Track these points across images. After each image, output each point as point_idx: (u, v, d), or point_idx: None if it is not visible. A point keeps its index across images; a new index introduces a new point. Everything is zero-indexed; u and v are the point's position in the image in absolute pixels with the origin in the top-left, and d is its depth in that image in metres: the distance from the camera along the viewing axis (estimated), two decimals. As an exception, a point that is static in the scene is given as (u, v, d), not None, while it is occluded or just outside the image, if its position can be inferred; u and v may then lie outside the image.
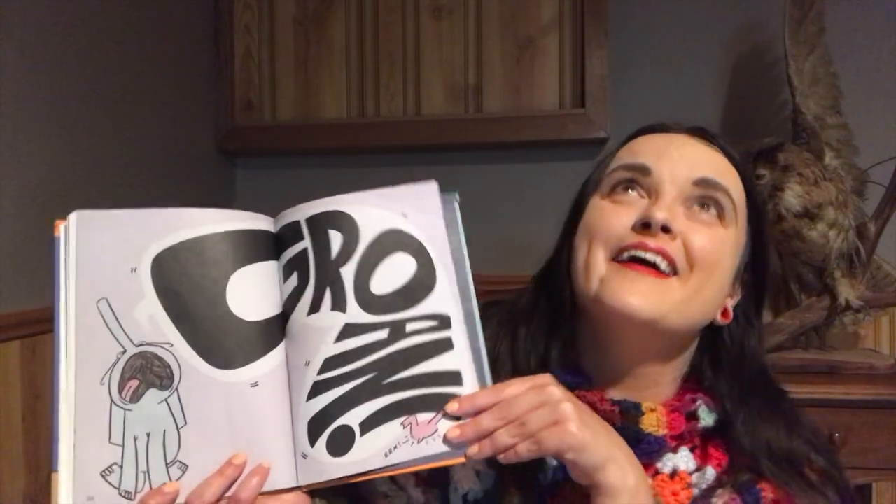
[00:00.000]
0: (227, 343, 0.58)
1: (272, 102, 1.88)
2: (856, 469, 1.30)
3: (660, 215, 0.62)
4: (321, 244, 0.61)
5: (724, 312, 0.68)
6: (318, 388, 0.58)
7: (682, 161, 0.66)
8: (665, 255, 0.63)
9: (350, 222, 0.61)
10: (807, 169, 1.40)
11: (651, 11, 1.73)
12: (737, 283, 0.69)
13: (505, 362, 0.70)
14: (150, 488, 0.55)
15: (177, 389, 0.57)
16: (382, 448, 0.57)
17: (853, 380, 1.37)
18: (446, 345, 0.59)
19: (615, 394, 0.67)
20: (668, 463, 0.67)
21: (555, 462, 0.65)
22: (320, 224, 0.61)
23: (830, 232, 1.41)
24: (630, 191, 0.67)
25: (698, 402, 0.67)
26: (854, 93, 1.52)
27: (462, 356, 0.59)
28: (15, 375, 1.17)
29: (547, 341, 0.70)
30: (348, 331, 0.59)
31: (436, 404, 0.58)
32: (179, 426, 0.56)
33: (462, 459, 0.57)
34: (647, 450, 0.65)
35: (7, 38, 1.17)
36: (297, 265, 0.61)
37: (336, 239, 0.61)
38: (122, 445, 0.55)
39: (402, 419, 0.58)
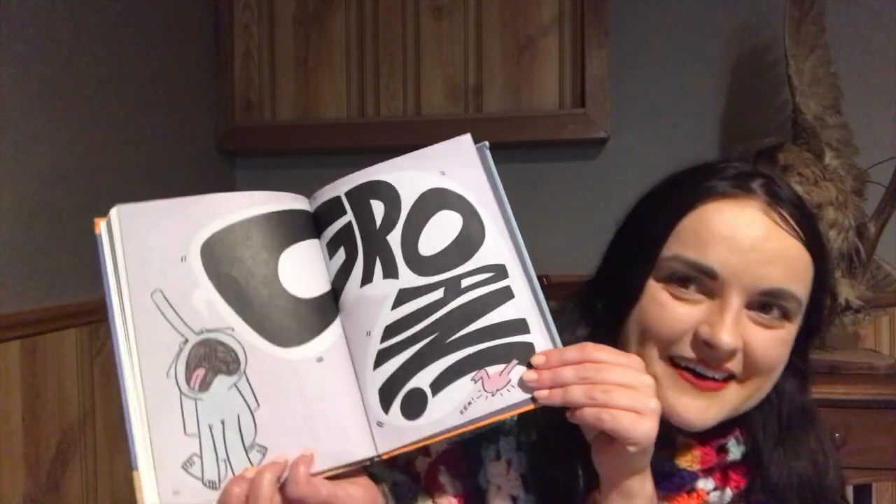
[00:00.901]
0: (286, 322, 0.58)
1: (272, 102, 1.88)
2: (856, 469, 1.30)
3: (727, 342, 0.59)
4: (364, 216, 0.61)
5: None
6: (382, 356, 0.58)
7: (755, 261, 0.60)
8: (726, 371, 0.62)
9: (390, 189, 0.61)
10: (807, 169, 1.40)
11: (651, 11, 1.73)
12: None
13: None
14: (233, 475, 0.54)
15: (244, 373, 0.56)
16: (457, 405, 0.57)
17: (853, 380, 1.37)
18: (507, 294, 0.59)
19: None
20: (688, 483, 0.67)
21: None
22: (360, 196, 0.61)
23: (830, 232, 1.41)
24: (690, 285, 0.62)
25: (728, 437, 0.67)
26: (854, 93, 1.52)
27: (524, 303, 0.59)
28: (15, 375, 1.17)
29: None
30: (404, 296, 0.59)
31: (505, 355, 0.57)
32: (253, 409, 0.56)
33: (531, 406, 0.57)
34: (677, 483, 0.66)
35: (7, 38, 1.17)
36: (342, 240, 0.61)
37: (378, 208, 0.61)
38: (199, 435, 0.55)
39: (472, 374, 0.57)
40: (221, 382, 0.56)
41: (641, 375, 0.56)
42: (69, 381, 1.28)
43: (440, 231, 0.60)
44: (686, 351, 0.61)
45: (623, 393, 0.54)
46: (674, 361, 0.63)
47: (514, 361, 0.57)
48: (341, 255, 0.61)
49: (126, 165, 1.46)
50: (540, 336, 0.58)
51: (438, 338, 0.58)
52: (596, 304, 0.69)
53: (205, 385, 0.56)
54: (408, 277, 0.60)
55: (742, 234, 0.61)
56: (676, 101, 1.70)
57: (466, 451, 0.70)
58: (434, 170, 0.62)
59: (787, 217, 0.62)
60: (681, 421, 0.62)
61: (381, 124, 1.81)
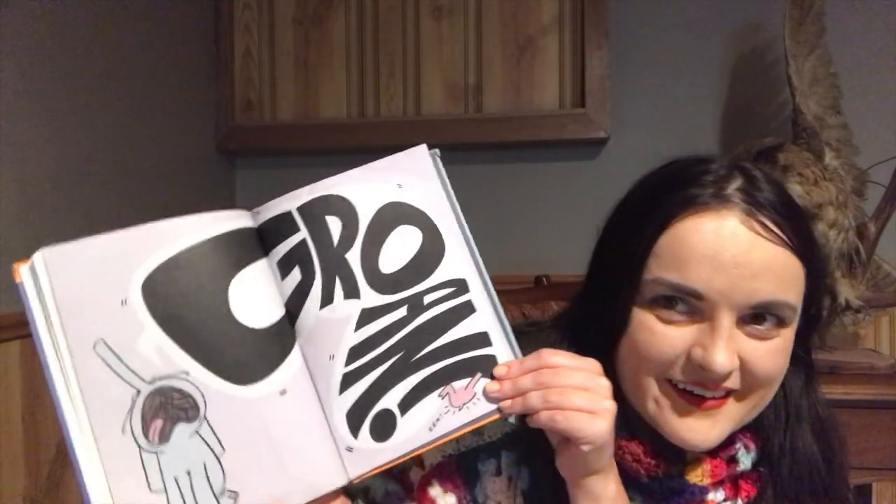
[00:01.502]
0: (244, 357, 0.55)
1: (272, 102, 1.88)
2: (856, 469, 1.30)
3: (722, 365, 0.57)
4: (321, 232, 0.58)
5: None
6: (348, 380, 0.57)
7: (740, 277, 0.58)
8: (724, 389, 0.61)
9: (345, 204, 0.59)
10: (807, 169, 1.40)
11: (651, 11, 1.73)
12: None
13: None
14: None
15: (205, 418, 0.53)
16: (426, 423, 0.57)
17: (853, 380, 1.37)
18: (468, 308, 0.59)
19: (659, 443, 0.65)
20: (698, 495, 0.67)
21: None
22: (314, 211, 0.58)
23: (830, 232, 1.40)
24: (676, 306, 0.60)
25: (738, 446, 0.66)
26: (854, 93, 1.52)
27: (486, 316, 0.59)
28: (15, 375, 1.17)
29: None
30: (366, 316, 0.58)
31: (469, 369, 0.58)
32: (218, 455, 0.53)
33: (497, 416, 0.57)
34: (688, 499, 0.65)
35: (6, 38, 1.17)
36: (297, 259, 0.58)
37: (335, 224, 0.58)
38: (165, 491, 0.52)
39: (439, 390, 0.57)
40: (182, 431, 0.53)
41: (597, 377, 0.56)
42: (69, 381, 1.28)
43: (400, 247, 0.59)
44: (682, 373, 0.60)
45: (579, 395, 0.55)
46: (672, 384, 0.62)
47: (479, 374, 0.58)
48: (296, 275, 0.58)
49: (126, 165, 1.46)
50: (501, 348, 0.58)
51: (404, 356, 0.58)
52: (585, 331, 0.67)
53: (164, 436, 0.52)
54: (370, 297, 0.58)
55: (724, 251, 0.58)
56: (676, 101, 1.70)
57: (462, 464, 0.68)
58: (391, 182, 0.59)
59: (770, 224, 0.59)
60: (686, 443, 0.61)
61: (381, 124, 1.81)
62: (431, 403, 0.57)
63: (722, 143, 1.68)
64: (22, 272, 0.53)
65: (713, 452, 0.65)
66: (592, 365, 0.57)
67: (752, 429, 0.67)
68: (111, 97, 1.42)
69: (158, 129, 1.59)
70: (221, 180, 1.87)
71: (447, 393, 0.57)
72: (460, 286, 0.59)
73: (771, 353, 0.60)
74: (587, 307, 0.69)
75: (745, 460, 0.66)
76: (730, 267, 0.58)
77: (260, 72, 1.88)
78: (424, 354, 0.58)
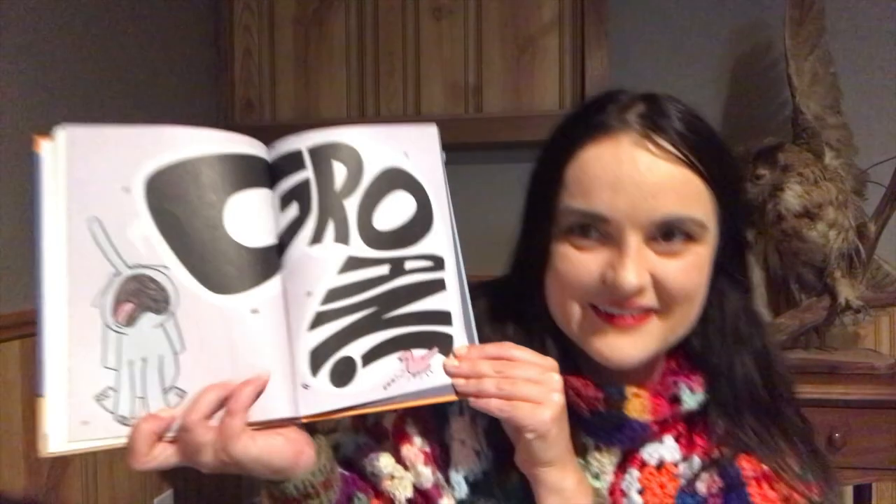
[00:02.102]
0: (226, 268, 0.56)
1: (272, 102, 1.88)
2: (856, 469, 1.30)
3: (628, 283, 0.59)
4: (325, 175, 0.59)
5: None
6: (320, 319, 0.58)
7: (640, 196, 0.60)
8: (641, 307, 0.62)
9: (354, 155, 0.60)
10: (807, 169, 1.40)
11: (651, 11, 1.73)
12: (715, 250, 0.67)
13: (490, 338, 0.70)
14: (147, 414, 0.53)
15: (173, 314, 0.54)
16: (382, 380, 0.59)
17: (853, 380, 1.37)
18: (439, 285, 0.61)
19: (601, 378, 0.67)
20: (654, 455, 0.67)
21: None
22: (324, 154, 0.59)
23: (830, 232, 1.41)
24: (589, 235, 0.62)
25: (681, 385, 0.67)
26: (854, 93, 1.52)
27: (453, 298, 0.61)
28: (15, 375, 1.17)
29: (540, 330, 0.69)
30: (352, 263, 0.59)
31: (428, 341, 0.60)
32: (177, 351, 0.54)
33: (454, 397, 0.60)
34: (630, 435, 0.66)
35: (6, 38, 1.17)
36: (297, 195, 0.59)
37: (340, 171, 0.59)
38: (117, 370, 0.53)
39: (399, 353, 0.59)
40: (148, 320, 0.54)
41: (549, 372, 0.60)
42: (69, 381, 1.28)
43: (394, 210, 0.61)
44: (601, 296, 0.62)
45: (528, 386, 0.58)
46: (594, 308, 0.63)
47: (436, 349, 0.60)
48: (294, 210, 0.59)
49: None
50: (460, 331, 0.61)
51: (377, 312, 0.59)
52: (518, 276, 0.70)
53: (131, 320, 0.54)
54: (358, 246, 0.59)
55: (622, 173, 0.60)
56: (676, 101, 1.70)
57: (434, 408, 0.69)
58: (399, 149, 0.62)
59: (666, 144, 0.61)
60: (609, 361, 0.63)
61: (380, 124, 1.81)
62: (390, 364, 0.59)
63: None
64: (43, 146, 0.54)
65: (653, 389, 0.67)
66: (549, 363, 0.60)
67: (696, 373, 0.68)
68: (111, 97, 1.42)
69: (158, 129, 1.58)
70: (221, 180, 1.87)
71: (406, 358, 0.59)
72: (438, 263, 0.61)
73: (683, 268, 0.61)
74: (519, 251, 0.71)
75: (690, 400, 0.67)
76: (629, 187, 0.60)
77: (260, 72, 1.88)
78: (395, 315, 0.60)
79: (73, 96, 1.32)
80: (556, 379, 0.60)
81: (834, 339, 1.53)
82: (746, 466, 0.65)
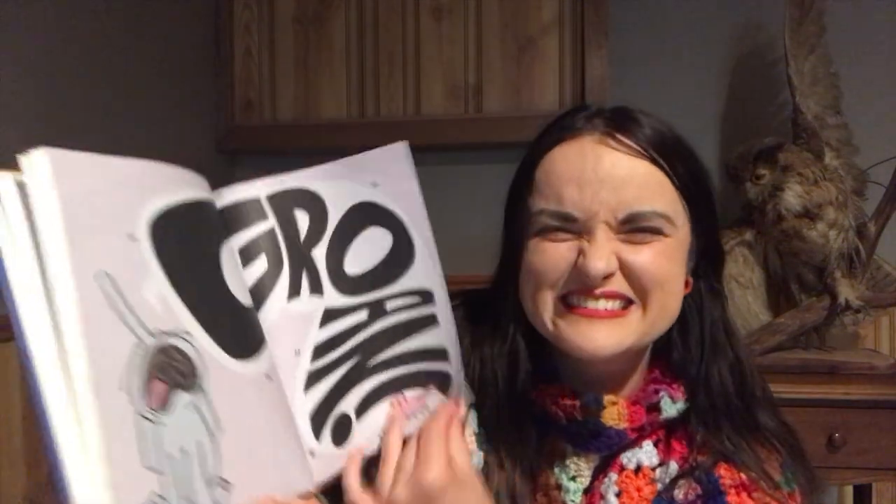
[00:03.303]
0: (237, 329, 0.49)
1: (272, 102, 1.88)
2: (856, 469, 1.30)
3: (596, 269, 0.60)
4: (289, 225, 0.55)
5: (686, 284, 0.68)
6: (312, 379, 0.54)
7: (605, 190, 0.61)
8: (613, 296, 0.63)
9: (316, 201, 0.56)
10: (807, 169, 1.40)
11: (651, 11, 1.73)
12: (691, 250, 0.68)
13: (472, 350, 0.70)
14: None
15: (203, 389, 0.45)
16: (377, 430, 0.57)
17: (853, 380, 1.37)
18: (430, 321, 0.58)
19: (579, 387, 0.67)
20: (633, 459, 0.68)
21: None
22: (284, 202, 0.55)
23: (830, 232, 1.41)
24: (560, 232, 0.64)
25: (661, 395, 0.68)
26: (854, 93, 1.52)
27: (446, 332, 0.58)
28: (15, 375, 1.17)
29: (514, 334, 0.69)
30: (329, 315, 0.56)
31: (423, 380, 0.58)
32: (214, 434, 0.45)
33: None
34: (607, 442, 0.66)
35: (6, 38, 1.17)
36: (263, 248, 0.54)
37: (303, 219, 0.55)
38: (161, 471, 0.41)
39: (391, 398, 0.57)
40: (180, 400, 0.43)
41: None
42: (69, 381, 1.28)
43: (368, 249, 0.57)
44: (574, 284, 0.63)
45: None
46: (567, 304, 0.64)
47: (432, 387, 0.58)
48: (261, 264, 0.53)
49: (126, 165, 1.46)
50: (455, 366, 0.58)
51: (361, 361, 0.56)
52: (499, 283, 0.71)
53: (164, 403, 0.43)
54: (332, 296, 0.56)
55: (585, 170, 0.62)
56: (676, 101, 1.69)
57: None
58: (366, 181, 0.58)
59: (628, 140, 0.63)
60: (584, 351, 0.63)
61: (381, 124, 1.81)
62: (383, 410, 0.56)
63: (722, 142, 1.68)
64: (25, 171, 0.42)
65: (633, 397, 0.67)
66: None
67: (678, 382, 0.69)
68: (111, 97, 1.42)
69: (158, 128, 1.59)
70: (221, 180, 1.85)
71: (398, 402, 0.57)
72: (425, 297, 0.58)
73: (650, 256, 0.62)
74: (501, 259, 0.72)
75: (670, 409, 0.67)
76: (593, 183, 0.61)
77: (260, 72, 1.88)
78: (380, 361, 0.57)
79: (73, 97, 1.32)
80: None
81: (834, 339, 1.53)
82: (725, 475, 0.66)
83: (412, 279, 0.58)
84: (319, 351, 0.55)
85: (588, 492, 0.68)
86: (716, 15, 1.69)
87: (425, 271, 0.58)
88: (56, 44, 1.28)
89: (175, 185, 0.48)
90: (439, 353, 0.58)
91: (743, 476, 0.65)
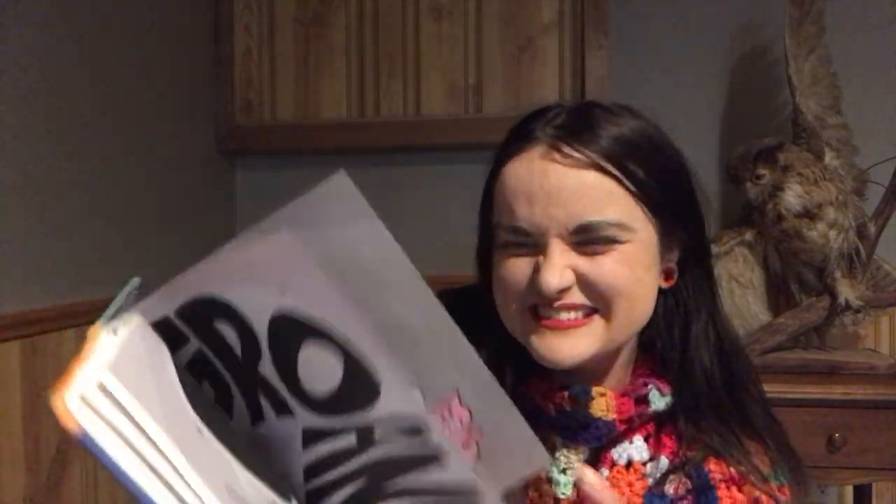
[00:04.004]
0: (268, 469, 0.45)
1: (272, 102, 1.88)
2: (856, 469, 1.30)
3: (549, 284, 0.61)
4: (215, 341, 0.44)
5: (667, 276, 0.68)
6: (312, 499, 0.46)
7: (553, 205, 0.61)
8: (573, 308, 0.63)
9: (229, 310, 0.43)
10: (807, 169, 1.40)
11: (651, 11, 1.73)
12: (670, 245, 0.67)
13: None
14: None
15: None
16: None
17: (853, 380, 1.37)
18: (428, 460, 0.44)
19: (567, 380, 0.67)
20: (624, 454, 0.68)
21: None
22: (198, 316, 0.44)
23: (830, 232, 1.41)
24: (520, 246, 0.64)
25: (649, 387, 0.68)
26: (854, 93, 1.52)
27: (460, 462, 0.43)
28: (15, 375, 1.17)
29: (499, 336, 0.69)
30: (311, 436, 0.45)
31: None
32: None
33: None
34: (595, 434, 0.66)
35: (7, 37, 1.17)
36: (201, 371, 0.45)
37: (229, 334, 0.44)
38: None
39: None
40: None
41: None
42: (69, 381, 1.28)
43: (320, 370, 0.43)
44: (534, 299, 0.63)
45: None
46: (535, 314, 0.64)
47: None
48: (206, 389, 0.45)
49: (126, 165, 1.46)
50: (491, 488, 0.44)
51: (373, 482, 0.45)
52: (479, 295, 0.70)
53: None
54: (306, 417, 0.44)
55: (533, 186, 0.62)
56: (676, 101, 1.70)
57: None
58: (272, 285, 0.42)
59: (572, 151, 0.62)
60: (551, 362, 0.63)
61: (381, 124, 1.81)
62: None
63: (722, 142, 1.68)
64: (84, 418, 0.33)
65: (621, 389, 0.68)
66: None
67: (663, 376, 0.69)
68: (111, 97, 1.42)
69: (158, 129, 1.59)
70: (221, 180, 1.87)
71: None
72: (412, 427, 0.43)
73: (607, 265, 0.62)
74: (478, 265, 0.72)
75: (658, 402, 0.68)
76: (542, 198, 0.62)
77: (260, 72, 1.88)
78: (400, 488, 0.45)
79: (73, 97, 1.32)
80: None
81: (834, 339, 1.53)
82: (714, 469, 0.66)
83: (388, 405, 0.43)
84: (312, 471, 0.46)
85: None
86: (716, 15, 1.70)
87: (400, 393, 0.42)
88: (56, 44, 1.28)
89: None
90: (458, 485, 0.44)
91: (732, 470, 0.65)
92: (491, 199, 0.67)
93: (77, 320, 1.28)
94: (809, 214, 1.39)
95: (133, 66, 1.49)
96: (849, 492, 1.54)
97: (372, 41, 1.83)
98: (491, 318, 0.69)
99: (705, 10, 1.70)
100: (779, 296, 1.57)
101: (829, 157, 1.44)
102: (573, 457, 0.68)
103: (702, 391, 0.68)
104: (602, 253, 0.62)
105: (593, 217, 0.61)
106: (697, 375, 0.68)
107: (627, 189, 0.63)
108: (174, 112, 1.66)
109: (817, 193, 1.39)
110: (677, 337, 0.70)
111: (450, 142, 1.75)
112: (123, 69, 1.46)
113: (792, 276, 1.52)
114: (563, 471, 0.68)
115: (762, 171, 1.42)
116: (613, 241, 0.62)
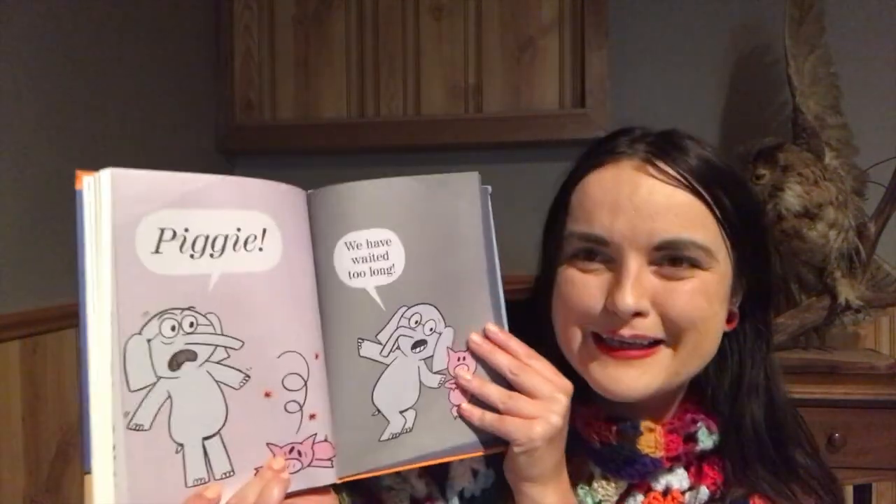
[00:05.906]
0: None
1: (272, 102, 1.88)
2: (856, 469, 1.30)
3: (625, 305, 0.58)
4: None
5: (729, 319, 0.66)
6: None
7: (639, 218, 0.59)
8: (643, 338, 0.60)
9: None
10: (807, 169, 1.40)
11: (651, 11, 1.73)
12: (737, 286, 0.65)
13: None
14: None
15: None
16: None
17: (853, 380, 1.37)
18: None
19: (613, 410, 0.65)
20: (662, 481, 0.66)
21: None
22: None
23: (830, 232, 1.41)
24: (593, 259, 0.62)
25: (699, 425, 0.66)
26: (854, 93, 1.52)
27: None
28: (15, 375, 1.17)
29: (547, 355, 0.67)
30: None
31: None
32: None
33: (481, 452, 0.58)
34: (640, 470, 0.65)
35: (6, 37, 1.17)
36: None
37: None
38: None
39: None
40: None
41: (557, 393, 0.57)
42: (69, 381, 1.28)
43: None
44: (603, 322, 0.61)
45: (526, 404, 0.56)
46: (600, 340, 0.62)
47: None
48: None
49: (126, 166, 1.46)
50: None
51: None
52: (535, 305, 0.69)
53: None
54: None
55: (621, 196, 0.60)
56: (676, 101, 1.70)
57: None
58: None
59: (668, 168, 0.60)
60: (610, 393, 0.61)
61: (381, 124, 1.81)
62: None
63: (722, 143, 1.68)
64: (84, 182, 0.50)
65: (669, 424, 0.65)
66: (561, 382, 0.58)
67: (712, 413, 0.67)
68: (111, 97, 1.42)
69: (158, 129, 1.59)
70: (221, 180, 1.87)
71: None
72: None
73: (686, 293, 0.59)
74: (537, 280, 0.71)
75: (706, 440, 0.66)
76: (628, 210, 0.59)
77: (260, 72, 1.88)
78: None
79: (73, 97, 1.32)
80: (563, 401, 0.57)
81: (834, 339, 1.53)
82: (758, 503, 0.64)
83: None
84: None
85: None
86: (716, 15, 1.70)
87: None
88: (56, 44, 1.28)
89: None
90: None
91: None
92: (563, 210, 0.65)
93: (77, 320, 1.28)
94: (809, 214, 1.39)
95: (133, 65, 1.49)
96: (849, 492, 1.54)
97: (372, 41, 1.83)
98: (541, 337, 0.66)
99: (705, 11, 1.70)
100: (779, 296, 1.57)
101: (829, 157, 1.44)
102: (611, 489, 0.67)
103: (749, 441, 0.66)
104: (681, 279, 0.60)
105: (680, 234, 0.59)
106: (746, 426, 0.66)
107: (715, 215, 0.60)
108: (174, 112, 1.66)
109: (817, 193, 1.39)
110: (727, 384, 0.67)
111: (450, 142, 1.75)
112: (123, 69, 1.46)
113: (792, 276, 1.52)
114: (599, 502, 0.66)
115: (762, 171, 1.42)
116: (696, 265, 0.60)
